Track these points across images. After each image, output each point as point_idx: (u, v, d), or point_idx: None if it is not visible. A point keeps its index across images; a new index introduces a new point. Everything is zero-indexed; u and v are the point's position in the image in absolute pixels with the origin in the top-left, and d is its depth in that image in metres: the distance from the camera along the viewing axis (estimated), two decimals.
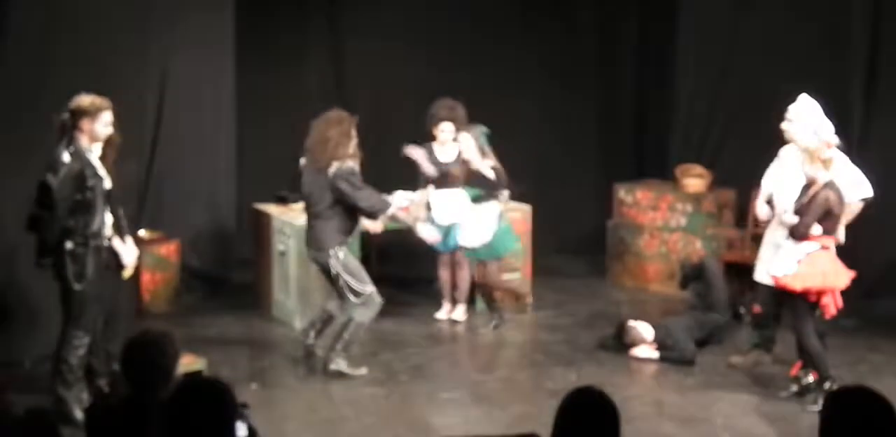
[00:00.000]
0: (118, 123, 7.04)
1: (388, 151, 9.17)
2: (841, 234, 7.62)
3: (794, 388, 7.51)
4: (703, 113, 10.73)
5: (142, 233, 9.19)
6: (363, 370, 7.98)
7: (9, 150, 7.69)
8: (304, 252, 8.21)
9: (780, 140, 7.93)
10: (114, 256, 7.09)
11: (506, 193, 8.90)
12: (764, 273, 7.93)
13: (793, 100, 7.86)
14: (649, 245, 10.20)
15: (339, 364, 7.89)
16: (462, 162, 8.89)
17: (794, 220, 7.35)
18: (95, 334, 7.09)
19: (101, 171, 6.97)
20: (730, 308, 8.92)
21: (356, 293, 7.82)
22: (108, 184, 6.99)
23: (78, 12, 8.27)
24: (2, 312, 7.91)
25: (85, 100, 6.93)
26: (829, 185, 7.34)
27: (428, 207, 8.88)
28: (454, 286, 9.28)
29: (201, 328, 8.95)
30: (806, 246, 7.34)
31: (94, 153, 6.98)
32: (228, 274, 10.05)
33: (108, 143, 7.07)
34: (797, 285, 7.32)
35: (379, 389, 7.76)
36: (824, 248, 7.38)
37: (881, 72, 9.44)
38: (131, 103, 8.34)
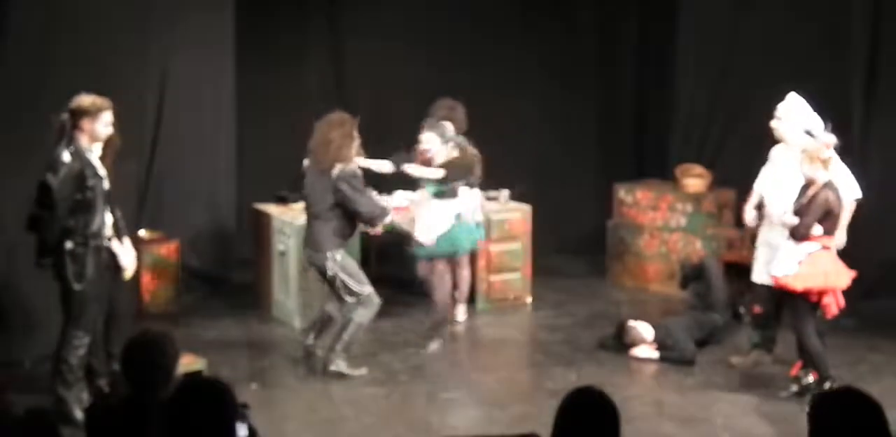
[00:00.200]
0: (118, 123, 7.05)
1: (388, 151, 9.16)
2: (841, 236, 7.62)
3: (794, 388, 7.51)
4: (703, 113, 10.73)
5: (142, 233, 9.19)
6: (363, 370, 7.98)
7: (9, 150, 7.69)
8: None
9: (777, 140, 7.95)
10: (113, 256, 7.10)
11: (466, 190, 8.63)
12: (761, 274, 7.93)
13: None
14: (649, 245, 10.20)
15: (339, 365, 7.89)
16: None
17: (795, 221, 7.34)
18: (95, 334, 7.09)
19: (101, 171, 6.97)
20: (729, 308, 8.93)
21: (354, 294, 7.83)
22: (107, 184, 6.99)
23: (78, 12, 8.26)
24: (2, 312, 7.91)
25: (85, 100, 6.93)
26: (829, 185, 7.34)
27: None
28: (454, 286, 9.27)
29: (201, 328, 8.95)
30: (807, 246, 7.34)
31: (95, 153, 6.98)
32: (228, 274, 10.05)
33: (107, 143, 7.07)
34: (798, 286, 7.32)
35: (379, 389, 7.77)
36: (825, 248, 7.38)
37: (881, 72, 9.44)
38: (131, 103, 8.34)
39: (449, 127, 8.71)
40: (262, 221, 9.43)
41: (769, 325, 8.10)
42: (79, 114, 6.89)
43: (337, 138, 7.75)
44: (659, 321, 8.68)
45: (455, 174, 8.58)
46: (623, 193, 10.38)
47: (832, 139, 7.46)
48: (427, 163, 8.63)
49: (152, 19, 9.13)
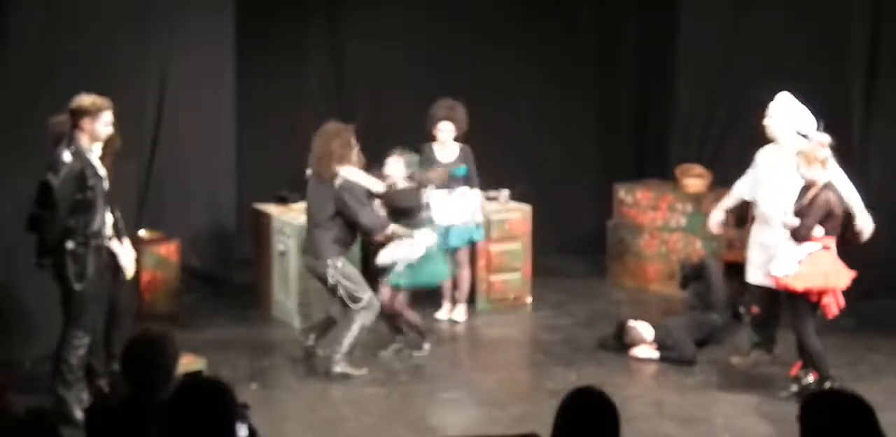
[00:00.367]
0: (118, 123, 7.05)
1: (388, 151, 9.15)
2: (868, 222, 7.64)
3: (794, 388, 7.51)
4: (703, 113, 10.73)
5: (142, 233, 9.18)
6: (363, 371, 7.99)
7: (9, 150, 7.70)
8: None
9: (771, 139, 7.97)
10: (113, 256, 7.10)
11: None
12: (756, 275, 7.93)
13: None
14: (649, 245, 10.20)
15: (343, 367, 7.90)
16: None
17: (796, 222, 7.34)
18: (95, 335, 7.09)
19: (102, 171, 6.98)
20: (729, 308, 8.92)
21: (356, 299, 7.86)
22: (107, 184, 7.00)
23: (78, 12, 8.27)
24: (1, 312, 7.91)
25: (86, 100, 6.93)
26: (828, 186, 7.34)
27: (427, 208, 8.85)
28: (454, 286, 9.28)
29: (201, 328, 8.94)
30: (807, 246, 7.34)
31: (95, 153, 6.98)
32: (228, 274, 10.05)
33: (107, 143, 7.07)
34: (798, 286, 7.31)
35: (379, 389, 7.77)
36: (825, 248, 7.38)
37: (881, 72, 9.44)
38: (131, 103, 8.34)
39: (414, 160, 8.34)
40: (262, 221, 9.43)
41: (769, 325, 8.10)
42: (79, 114, 6.89)
43: (337, 149, 7.86)
44: (659, 321, 8.68)
45: (397, 200, 8.13)
46: (623, 193, 10.38)
47: (826, 138, 7.45)
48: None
49: (152, 19, 9.14)
